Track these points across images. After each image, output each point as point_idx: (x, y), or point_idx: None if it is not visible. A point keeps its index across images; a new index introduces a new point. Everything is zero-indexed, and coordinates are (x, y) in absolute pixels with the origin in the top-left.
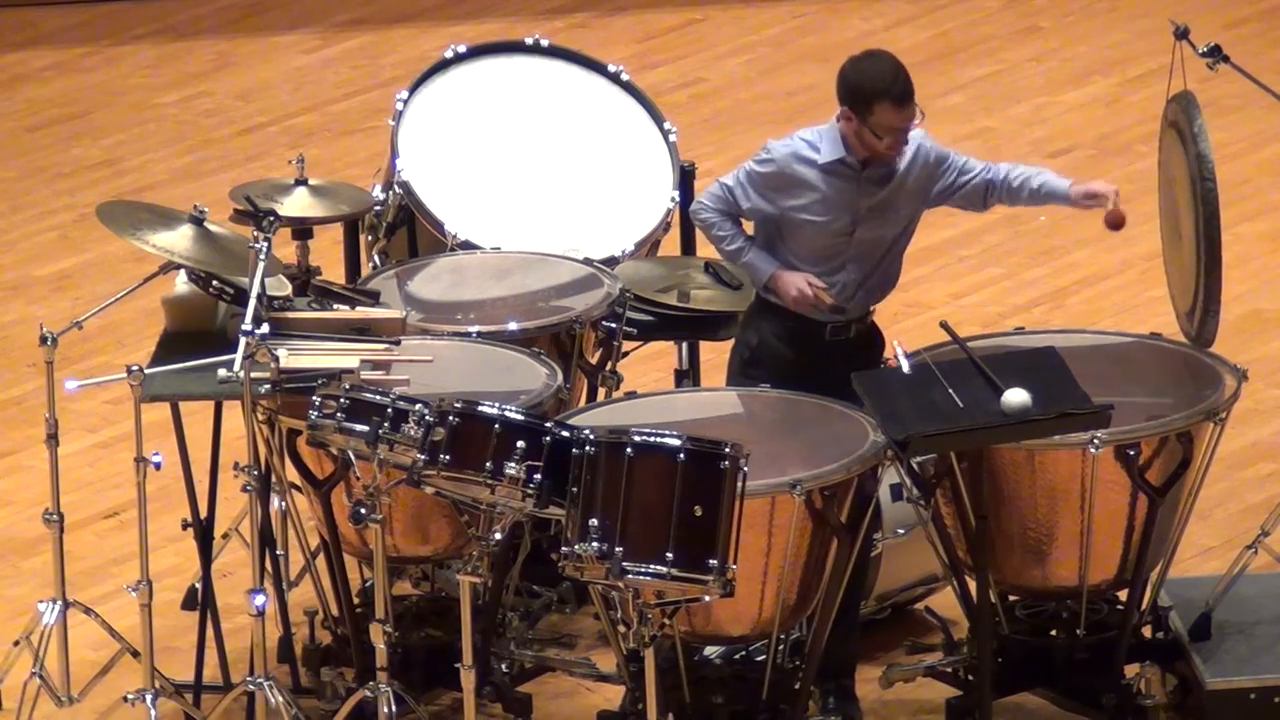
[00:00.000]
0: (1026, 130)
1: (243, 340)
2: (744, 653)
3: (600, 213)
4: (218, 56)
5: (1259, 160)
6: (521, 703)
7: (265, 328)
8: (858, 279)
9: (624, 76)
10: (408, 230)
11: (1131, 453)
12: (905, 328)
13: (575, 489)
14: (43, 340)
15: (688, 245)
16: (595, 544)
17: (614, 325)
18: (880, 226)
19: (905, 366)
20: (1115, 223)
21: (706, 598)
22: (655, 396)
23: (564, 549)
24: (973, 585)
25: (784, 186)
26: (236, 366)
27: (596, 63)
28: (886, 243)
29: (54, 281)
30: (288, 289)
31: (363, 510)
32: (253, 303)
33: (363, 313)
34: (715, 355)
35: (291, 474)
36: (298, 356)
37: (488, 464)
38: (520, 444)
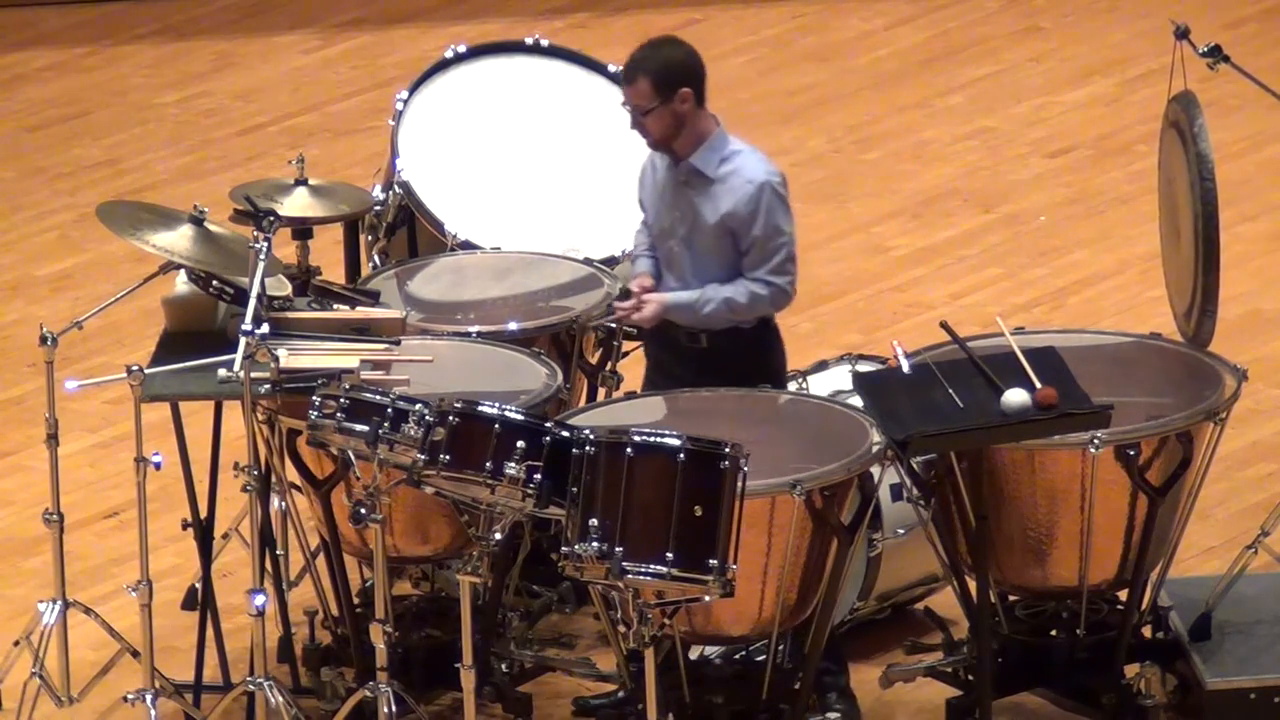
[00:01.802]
0: (1026, 130)
1: (243, 340)
2: (744, 653)
3: (600, 213)
4: (218, 56)
5: (1259, 160)
6: (521, 703)
7: (265, 328)
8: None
9: None
10: (408, 230)
11: (1131, 453)
12: (905, 328)
13: (575, 489)
14: (43, 340)
15: None
16: (595, 544)
17: (614, 325)
18: (686, 238)
19: (905, 366)
20: (1044, 401)
21: (706, 598)
22: (655, 396)
23: (564, 549)
24: (973, 585)
25: (642, 176)
26: (236, 366)
27: (596, 63)
28: (704, 267)
29: (54, 281)
30: (288, 289)
31: (363, 510)
32: (253, 303)
33: (363, 313)
34: None
35: (291, 474)
36: (298, 356)
37: (488, 464)
38: (520, 444)
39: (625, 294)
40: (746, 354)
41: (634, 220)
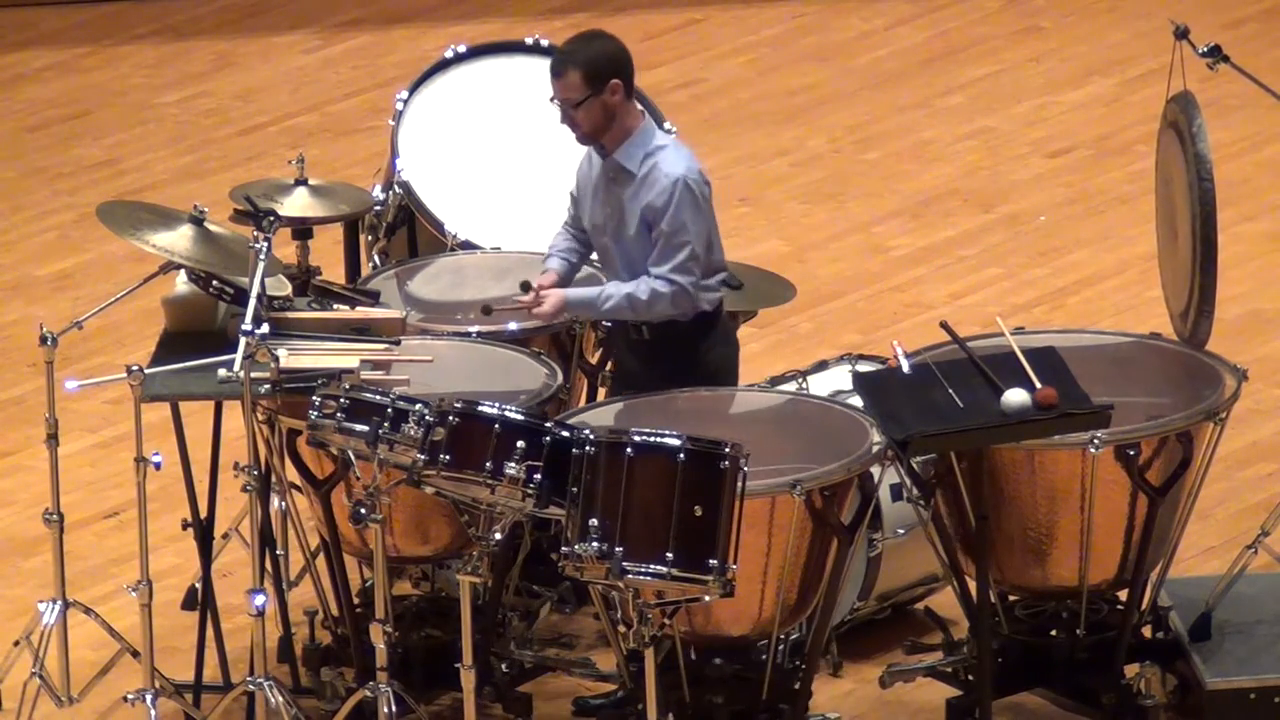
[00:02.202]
0: (1026, 130)
1: (243, 340)
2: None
3: None
4: (218, 56)
5: (1259, 160)
6: (521, 703)
7: (265, 328)
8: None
9: None
10: (408, 230)
11: (1131, 453)
12: (905, 328)
13: (575, 489)
14: (43, 340)
15: None
16: (595, 544)
17: (614, 325)
18: (615, 233)
19: (905, 366)
20: (1044, 401)
21: (706, 598)
22: (655, 396)
23: (564, 549)
24: (973, 585)
25: (579, 170)
26: (236, 366)
27: None
28: (633, 264)
29: (54, 281)
30: (288, 289)
31: (363, 510)
32: (253, 303)
33: (363, 313)
34: None
35: (291, 474)
36: (298, 356)
37: (488, 464)
38: (520, 444)
39: (527, 286)
40: (686, 348)
41: None
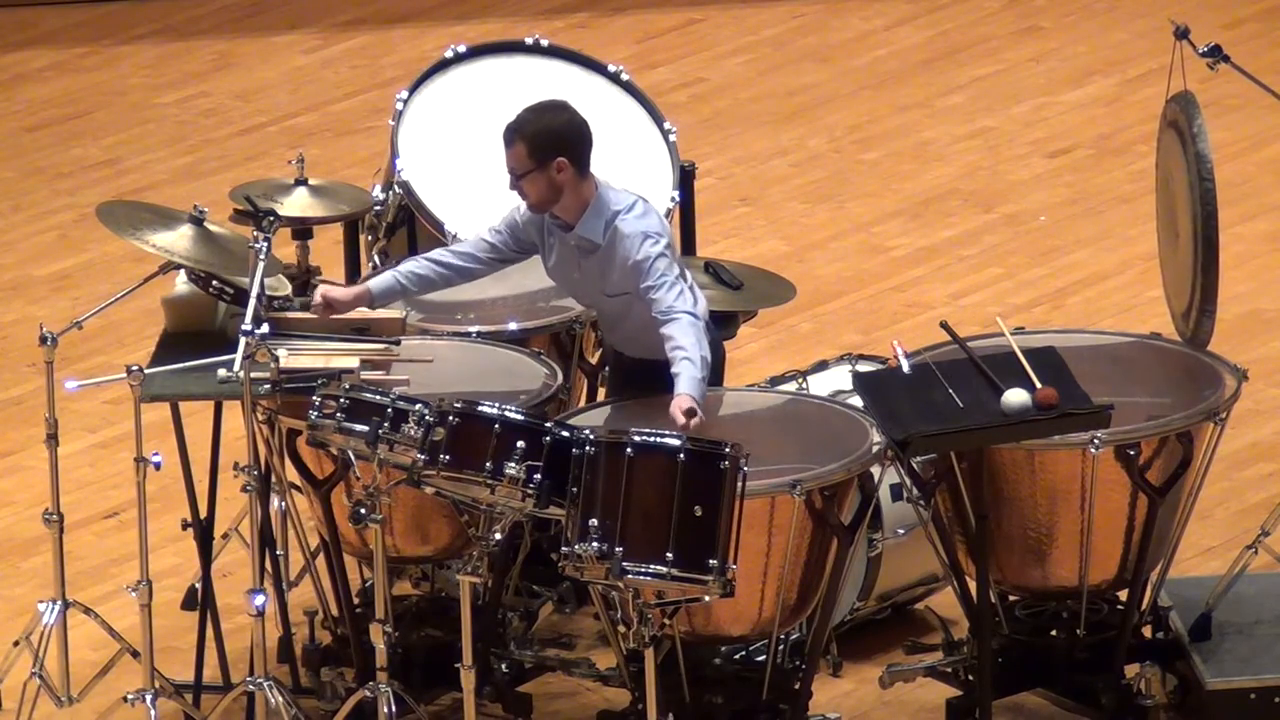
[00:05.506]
0: (1026, 130)
1: (243, 340)
2: (744, 653)
3: None
4: (218, 56)
5: (1259, 160)
6: (521, 703)
7: (265, 328)
8: (610, 338)
9: (624, 76)
10: (408, 230)
11: (1131, 453)
12: (905, 328)
13: (575, 489)
14: (43, 340)
15: (688, 245)
16: (595, 544)
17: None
18: (608, 299)
19: (905, 366)
20: (1044, 401)
21: (706, 598)
22: (654, 397)
23: (564, 549)
24: (973, 585)
25: (540, 221)
26: (236, 366)
27: (596, 63)
28: (640, 317)
29: (54, 281)
30: (287, 289)
31: (363, 510)
32: (253, 303)
33: (363, 313)
34: None
35: (291, 474)
36: (298, 356)
37: (488, 464)
38: (520, 444)
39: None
40: (660, 364)
41: None
